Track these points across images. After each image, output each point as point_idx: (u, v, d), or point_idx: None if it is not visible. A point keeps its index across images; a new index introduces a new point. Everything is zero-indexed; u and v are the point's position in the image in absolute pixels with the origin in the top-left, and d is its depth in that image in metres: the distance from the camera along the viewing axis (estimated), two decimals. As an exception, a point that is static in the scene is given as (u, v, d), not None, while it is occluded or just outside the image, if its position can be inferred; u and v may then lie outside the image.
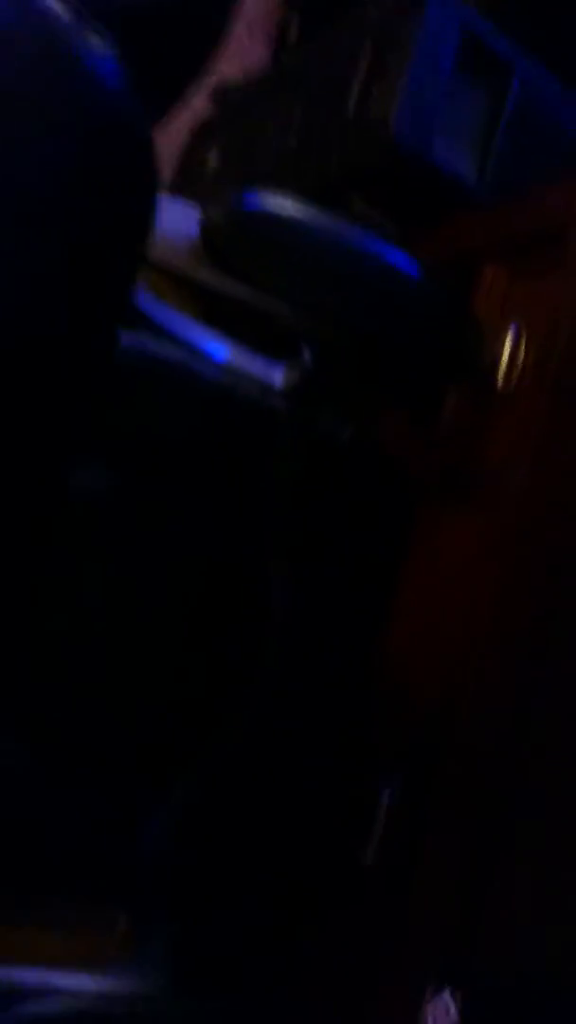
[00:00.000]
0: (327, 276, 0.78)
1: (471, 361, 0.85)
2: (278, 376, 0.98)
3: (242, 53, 1.39)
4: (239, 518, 0.90)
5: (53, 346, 0.66)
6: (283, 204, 0.76)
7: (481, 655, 0.78)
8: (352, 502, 0.92)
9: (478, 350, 0.85)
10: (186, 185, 1.26)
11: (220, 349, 0.97)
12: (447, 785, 0.78)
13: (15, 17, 0.59)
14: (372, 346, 0.88)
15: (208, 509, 0.89)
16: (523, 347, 0.84)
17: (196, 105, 1.29)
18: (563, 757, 0.79)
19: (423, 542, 0.86)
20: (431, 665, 0.81)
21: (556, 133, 0.99)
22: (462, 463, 0.87)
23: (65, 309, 0.65)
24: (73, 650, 0.85)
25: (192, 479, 0.89)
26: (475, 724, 0.78)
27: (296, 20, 1.39)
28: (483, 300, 0.90)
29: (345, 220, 0.82)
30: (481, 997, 0.75)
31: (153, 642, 0.87)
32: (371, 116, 0.96)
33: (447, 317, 0.83)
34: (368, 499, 0.92)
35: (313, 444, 0.94)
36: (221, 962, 0.84)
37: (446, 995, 0.73)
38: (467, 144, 0.95)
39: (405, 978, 0.75)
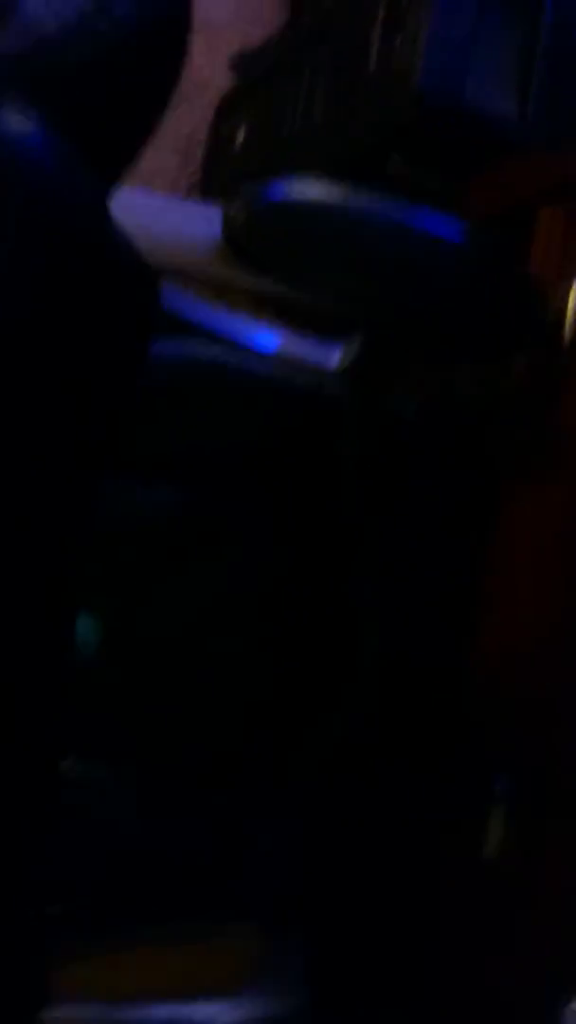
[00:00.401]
0: (362, 261, 0.74)
1: (533, 322, 0.79)
2: (334, 358, 0.94)
3: (259, 18, 1.33)
4: (314, 513, 0.87)
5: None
6: (305, 190, 0.71)
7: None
8: (427, 482, 0.88)
9: (540, 309, 0.79)
10: (216, 165, 1.22)
11: (270, 339, 0.93)
12: (562, 772, 0.75)
13: None
14: (425, 323, 0.83)
15: (282, 509, 0.86)
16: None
17: (218, 83, 1.25)
18: None
19: (507, 520, 0.81)
20: (528, 649, 0.77)
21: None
22: (538, 430, 0.82)
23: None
24: (170, 669, 0.84)
25: (261, 480, 0.86)
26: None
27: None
28: (541, 251, 0.84)
29: (381, 187, 0.77)
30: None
31: (247, 653, 0.86)
32: (394, 69, 0.90)
33: (501, 281, 0.77)
34: (444, 478, 0.87)
35: (379, 425, 0.90)
36: (359, 977, 0.83)
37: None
38: (503, 84, 0.89)
39: (541, 978, 0.72)
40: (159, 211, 0.79)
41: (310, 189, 0.72)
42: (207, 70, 1.24)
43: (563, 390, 0.80)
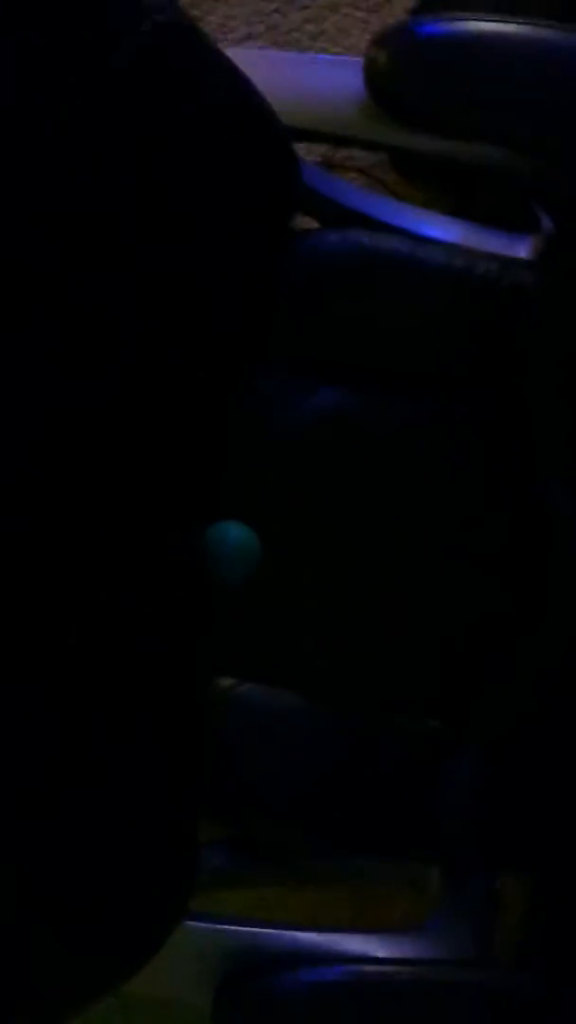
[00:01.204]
0: (536, 96, 0.64)
1: None
2: (523, 248, 0.84)
3: None
4: (504, 413, 0.78)
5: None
6: (462, 21, 0.63)
7: None
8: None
9: None
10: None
11: (450, 230, 0.85)
12: None
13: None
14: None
15: (467, 409, 0.78)
16: None
17: None
18: None
19: None
20: None
21: None
22: None
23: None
24: (343, 587, 0.78)
25: (440, 377, 0.78)
26: None
27: None
28: None
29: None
30: None
31: (432, 569, 0.78)
32: None
33: None
34: None
35: (573, 316, 0.80)
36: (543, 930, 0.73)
37: None
38: None
39: None
40: (291, 67, 0.73)
41: (468, 17, 0.63)
42: None
43: None
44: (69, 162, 0.50)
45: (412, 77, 0.65)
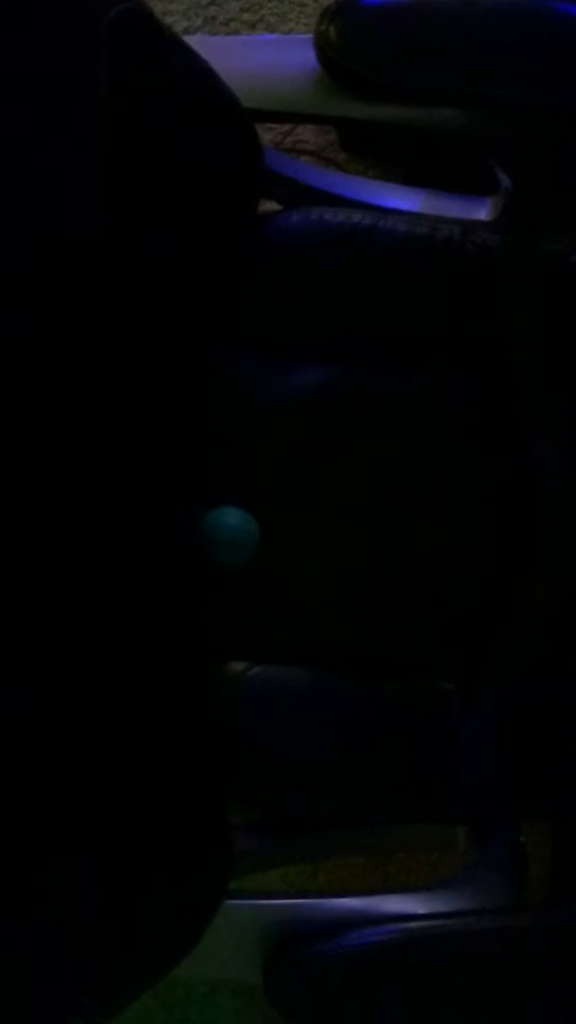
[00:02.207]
0: (493, 52, 0.65)
1: None
2: (482, 211, 0.85)
3: None
4: (480, 372, 0.79)
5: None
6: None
7: None
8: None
9: None
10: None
11: (409, 200, 0.86)
12: None
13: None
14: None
15: (447, 373, 0.79)
16: None
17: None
18: None
19: None
20: None
21: None
22: None
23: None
24: (337, 555, 0.79)
25: (419, 341, 0.79)
26: None
27: None
28: None
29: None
30: None
31: (421, 531, 0.79)
32: None
33: None
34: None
35: (538, 271, 0.81)
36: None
37: None
38: None
39: None
40: (240, 50, 0.74)
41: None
42: None
43: None
44: (39, 139, 0.50)
45: (364, 47, 0.65)
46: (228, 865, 0.66)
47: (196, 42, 0.64)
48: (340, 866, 0.89)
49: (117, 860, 0.55)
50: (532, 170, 0.77)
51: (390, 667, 0.79)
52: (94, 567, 0.63)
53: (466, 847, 0.79)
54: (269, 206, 0.82)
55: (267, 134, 1.01)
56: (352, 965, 0.64)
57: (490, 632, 0.78)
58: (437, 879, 0.75)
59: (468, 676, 0.78)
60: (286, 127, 1.02)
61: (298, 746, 0.75)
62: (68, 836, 0.52)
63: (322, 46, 0.65)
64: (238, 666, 0.78)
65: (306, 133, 1.02)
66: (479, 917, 0.65)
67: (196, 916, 0.63)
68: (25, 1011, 0.45)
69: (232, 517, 0.78)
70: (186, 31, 1.06)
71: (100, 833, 0.55)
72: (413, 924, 0.64)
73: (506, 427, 0.78)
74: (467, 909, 0.68)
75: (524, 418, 0.78)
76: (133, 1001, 0.52)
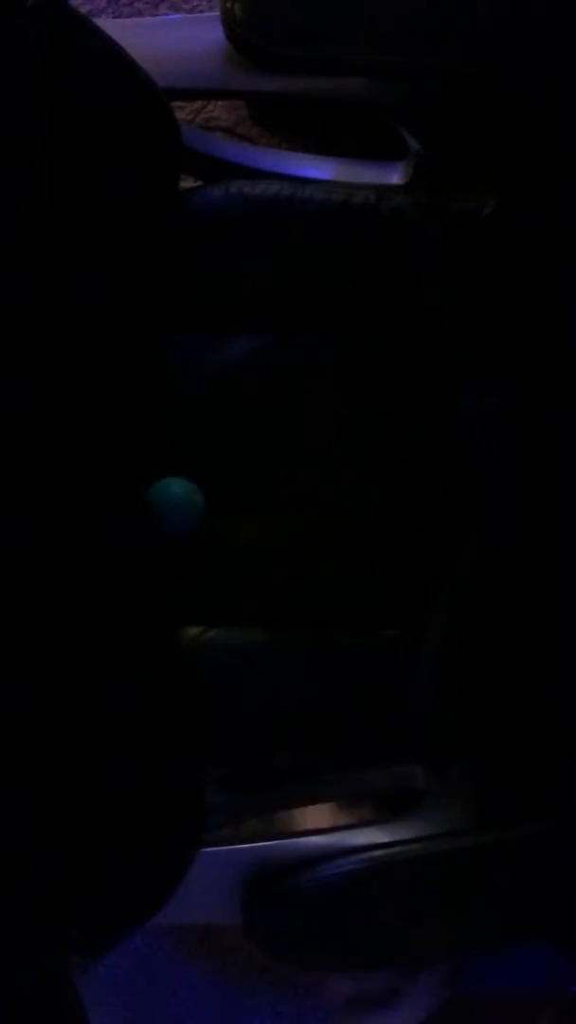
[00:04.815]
0: (396, 21, 0.67)
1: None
2: (395, 175, 0.88)
3: None
4: (408, 329, 0.82)
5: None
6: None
7: None
8: (516, 282, 0.82)
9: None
10: None
11: (323, 168, 0.89)
12: None
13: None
14: (484, 93, 0.76)
15: (374, 331, 0.82)
16: None
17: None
18: None
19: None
20: None
21: None
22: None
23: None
24: (280, 518, 0.82)
25: (345, 304, 0.82)
26: None
27: None
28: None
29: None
30: None
31: (374, 485, 0.82)
32: None
33: None
34: (533, 275, 0.81)
35: (454, 230, 0.84)
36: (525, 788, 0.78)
37: None
38: None
39: None
40: (147, 30, 0.75)
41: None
42: None
43: None
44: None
45: (269, 21, 0.67)
46: (200, 818, 0.69)
47: (103, 25, 0.66)
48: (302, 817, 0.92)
49: (96, 818, 0.58)
50: (438, 132, 0.80)
51: (339, 620, 0.83)
52: (49, 545, 0.65)
53: (426, 784, 0.83)
54: (187, 183, 0.84)
55: (179, 113, 1.02)
56: (324, 896, 0.67)
57: (431, 582, 0.81)
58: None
59: (412, 623, 0.81)
60: (197, 105, 1.03)
61: (256, 702, 0.79)
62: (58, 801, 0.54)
63: (228, 22, 0.67)
64: (194, 630, 0.80)
65: (217, 110, 1.04)
66: (436, 841, 0.70)
67: (172, 865, 0.67)
68: (28, 945, 0.48)
69: (176, 486, 0.80)
70: (90, 13, 1.07)
71: (85, 797, 0.57)
72: (378, 852, 0.68)
73: (437, 385, 0.81)
74: (426, 835, 0.72)
75: (452, 375, 0.81)
76: (123, 938, 0.55)
